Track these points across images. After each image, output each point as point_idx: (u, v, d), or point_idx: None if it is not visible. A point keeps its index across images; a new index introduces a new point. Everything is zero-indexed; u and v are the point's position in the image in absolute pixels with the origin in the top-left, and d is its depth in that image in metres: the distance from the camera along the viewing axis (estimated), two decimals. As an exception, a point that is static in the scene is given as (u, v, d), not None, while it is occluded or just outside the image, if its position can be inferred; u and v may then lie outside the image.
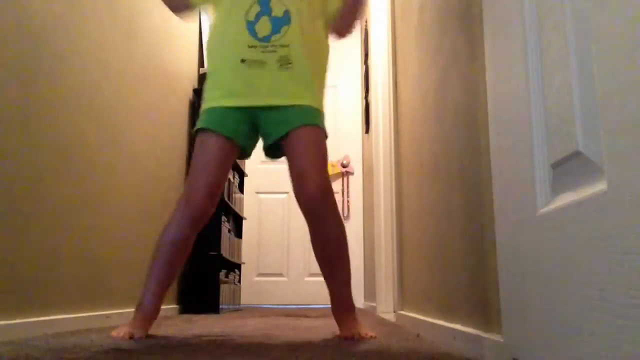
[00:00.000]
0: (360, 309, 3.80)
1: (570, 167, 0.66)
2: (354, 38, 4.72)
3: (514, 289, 0.85)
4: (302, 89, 1.41)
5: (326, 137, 1.46)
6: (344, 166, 4.47)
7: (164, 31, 2.62)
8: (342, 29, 1.56)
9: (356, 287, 4.33)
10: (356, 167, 4.49)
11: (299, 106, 1.41)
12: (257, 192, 4.47)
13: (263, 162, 4.48)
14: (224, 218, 3.08)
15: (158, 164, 2.55)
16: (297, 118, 1.39)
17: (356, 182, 4.49)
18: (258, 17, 1.39)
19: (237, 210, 3.49)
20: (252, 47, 1.38)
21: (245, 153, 1.48)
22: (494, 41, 0.96)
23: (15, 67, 1.41)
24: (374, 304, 3.23)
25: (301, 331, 1.68)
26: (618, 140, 0.53)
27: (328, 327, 1.84)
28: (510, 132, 0.86)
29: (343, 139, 4.47)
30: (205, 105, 1.45)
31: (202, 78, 3.24)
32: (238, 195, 3.62)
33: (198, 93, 3.17)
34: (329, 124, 1.50)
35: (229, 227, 3.26)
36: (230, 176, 3.35)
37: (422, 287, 1.86)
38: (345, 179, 4.46)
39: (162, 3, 1.52)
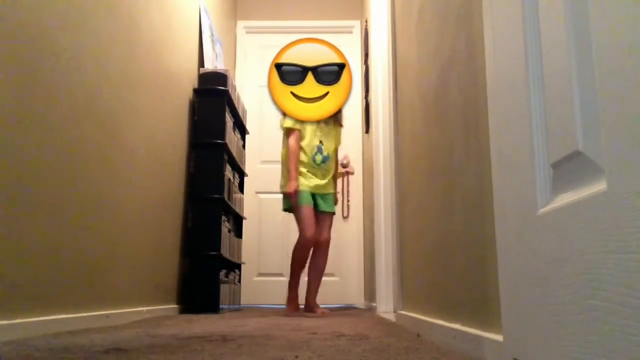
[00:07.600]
0: (360, 309, 3.80)
1: (570, 167, 0.66)
2: (354, 38, 4.71)
3: (514, 289, 0.85)
4: (330, 185, 3.20)
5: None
6: (344, 166, 4.45)
7: (164, 31, 2.61)
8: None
9: (356, 287, 4.34)
10: (356, 167, 4.48)
11: (332, 194, 3.22)
12: (257, 192, 4.46)
13: (263, 162, 4.49)
14: (224, 218, 3.08)
15: (158, 164, 2.55)
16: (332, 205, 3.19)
17: (356, 182, 4.48)
18: (316, 153, 3.11)
19: (237, 210, 3.49)
20: (315, 167, 3.10)
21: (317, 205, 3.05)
22: (494, 41, 0.96)
23: (15, 67, 1.41)
24: (374, 304, 3.23)
25: (301, 331, 1.68)
26: (618, 140, 0.53)
27: (328, 327, 1.84)
28: (510, 132, 0.86)
29: (343, 139, 4.45)
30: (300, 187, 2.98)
31: (202, 78, 3.23)
32: (238, 195, 3.62)
33: (198, 93, 3.17)
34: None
35: (229, 227, 3.26)
36: (231, 176, 3.35)
37: (422, 287, 1.86)
38: (345, 178, 4.45)
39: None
